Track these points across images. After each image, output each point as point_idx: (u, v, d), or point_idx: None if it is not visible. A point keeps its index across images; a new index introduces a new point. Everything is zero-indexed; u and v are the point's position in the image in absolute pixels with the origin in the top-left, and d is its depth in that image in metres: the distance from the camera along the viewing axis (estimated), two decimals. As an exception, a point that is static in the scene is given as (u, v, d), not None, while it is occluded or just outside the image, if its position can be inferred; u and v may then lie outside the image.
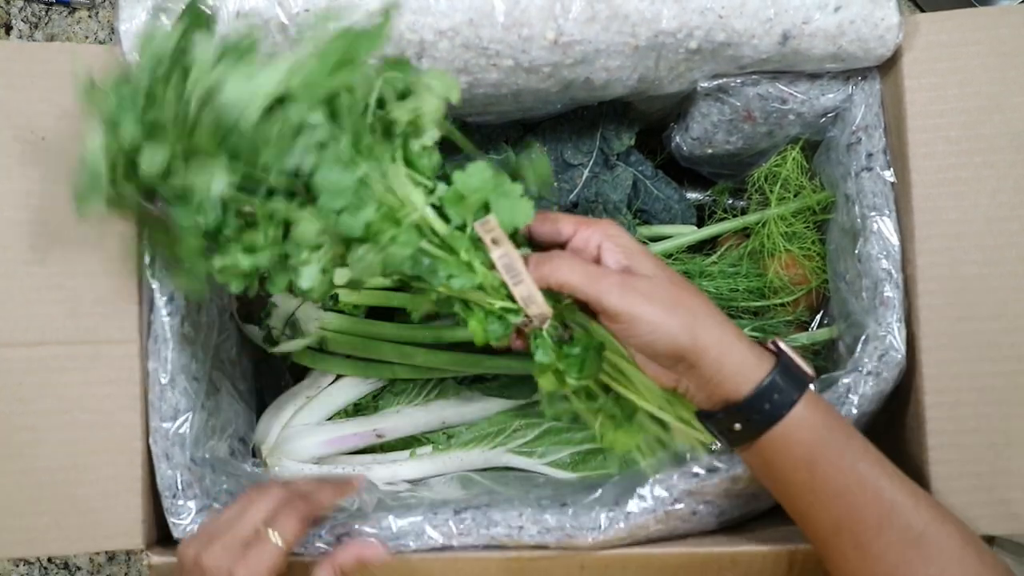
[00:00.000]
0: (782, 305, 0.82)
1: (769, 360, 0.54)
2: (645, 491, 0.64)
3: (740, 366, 0.53)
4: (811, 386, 0.54)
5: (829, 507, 0.54)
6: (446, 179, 0.54)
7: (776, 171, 0.79)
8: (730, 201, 0.88)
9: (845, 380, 0.65)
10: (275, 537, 0.56)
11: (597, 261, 0.55)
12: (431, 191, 0.54)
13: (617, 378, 0.58)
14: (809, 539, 0.56)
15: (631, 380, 0.57)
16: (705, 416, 0.56)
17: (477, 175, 0.53)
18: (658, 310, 0.52)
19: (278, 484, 0.61)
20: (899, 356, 0.65)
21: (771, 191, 0.79)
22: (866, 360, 0.65)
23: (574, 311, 0.56)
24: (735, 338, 0.54)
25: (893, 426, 0.70)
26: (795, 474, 0.54)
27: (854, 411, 0.64)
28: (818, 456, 0.53)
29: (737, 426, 0.54)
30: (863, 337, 0.67)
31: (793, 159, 0.77)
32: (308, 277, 0.52)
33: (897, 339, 0.65)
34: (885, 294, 0.66)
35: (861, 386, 0.64)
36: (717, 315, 0.54)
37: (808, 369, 0.55)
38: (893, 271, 0.66)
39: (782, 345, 0.56)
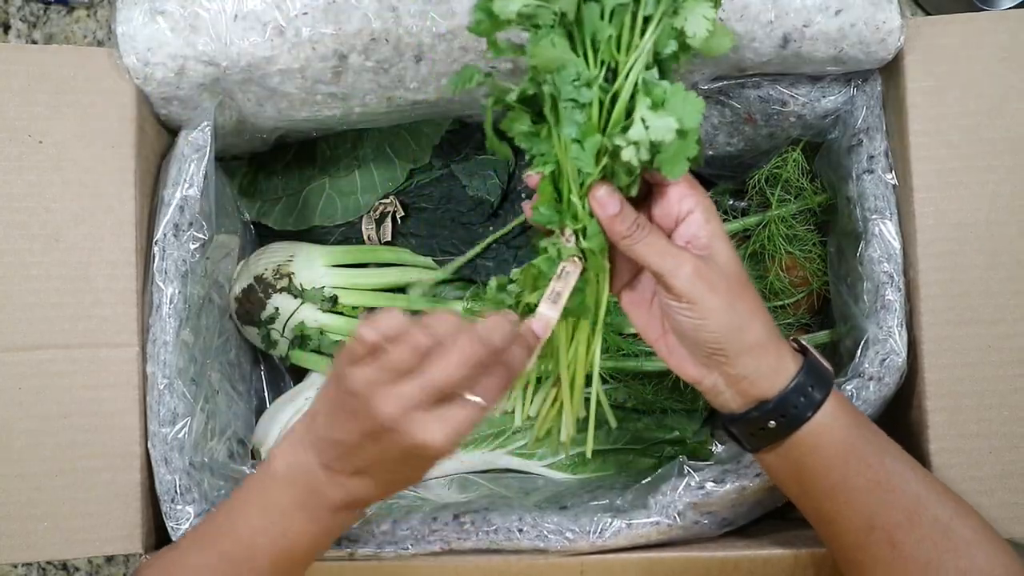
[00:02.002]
0: (783, 307, 0.82)
1: (796, 358, 0.55)
2: (649, 504, 0.64)
3: (775, 365, 0.54)
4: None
5: (862, 505, 0.54)
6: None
7: (777, 173, 0.79)
8: (731, 203, 0.88)
9: (847, 385, 0.64)
10: (478, 400, 0.49)
11: (677, 223, 0.55)
12: None
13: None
14: (835, 544, 0.56)
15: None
16: (732, 419, 0.56)
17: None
18: (719, 303, 0.52)
19: (464, 328, 0.49)
20: (900, 360, 0.64)
21: (772, 193, 0.79)
22: (867, 364, 0.65)
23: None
24: (774, 339, 0.54)
25: (895, 430, 0.69)
26: (828, 472, 0.54)
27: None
28: (850, 452, 0.54)
29: (772, 423, 0.54)
30: (864, 340, 0.66)
31: (794, 161, 0.77)
32: None
33: (898, 343, 0.65)
34: (886, 297, 0.66)
35: (863, 391, 0.64)
36: (766, 317, 0.55)
37: (829, 367, 0.55)
38: (894, 274, 0.66)
39: (805, 343, 0.56)
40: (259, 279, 0.79)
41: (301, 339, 0.79)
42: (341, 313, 0.80)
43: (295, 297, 0.79)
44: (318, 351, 0.80)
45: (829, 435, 0.54)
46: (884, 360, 0.64)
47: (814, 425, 0.53)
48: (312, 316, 0.79)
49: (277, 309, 0.79)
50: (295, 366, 0.83)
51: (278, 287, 0.79)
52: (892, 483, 0.53)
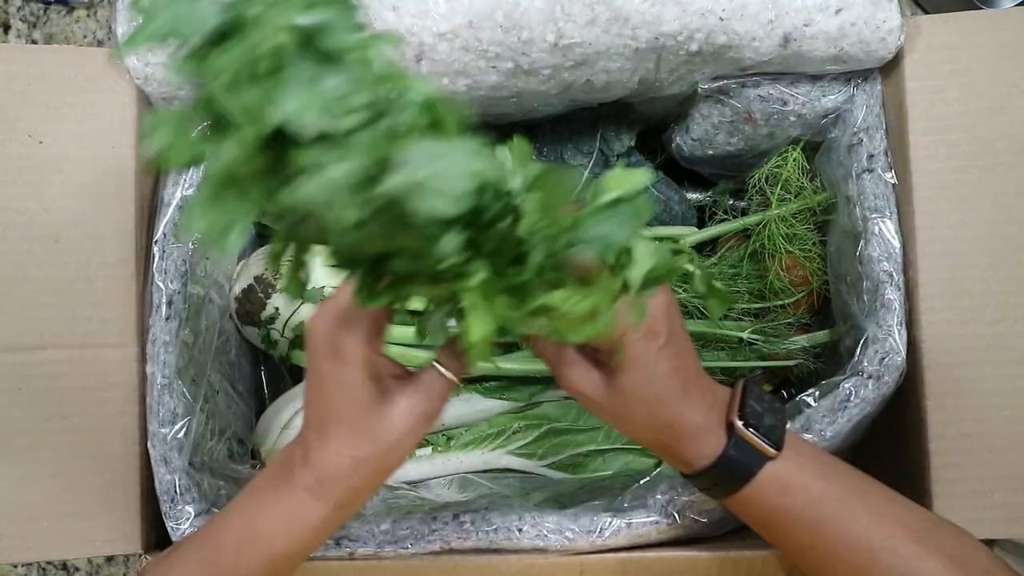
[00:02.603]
0: (783, 307, 0.82)
1: (720, 438, 0.53)
2: (649, 503, 0.64)
3: (707, 439, 0.52)
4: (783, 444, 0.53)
5: (808, 561, 0.54)
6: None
7: (777, 172, 0.79)
8: (731, 202, 0.88)
9: (846, 384, 0.64)
10: (446, 372, 0.48)
11: None
12: None
13: None
14: None
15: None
16: (688, 476, 0.56)
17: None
18: (634, 420, 0.51)
19: None
20: (900, 359, 0.64)
21: (772, 192, 0.79)
22: (866, 363, 0.65)
23: None
24: (708, 408, 0.53)
25: (894, 430, 0.69)
26: (765, 529, 0.55)
27: (855, 414, 0.64)
28: (779, 519, 0.53)
29: (715, 485, 0.54)
30: (863, 339, 0.66)
31: (794, 160, 0.77)
32: None
33: (898, 342, 0.65)
34: (886, 296, 0.66)
35: (862, 389, 0.64)
36: (703, 383, 0.53)
37: (762, 444, 0.52)
38: (894, 273, 0.66)
39: (736, 422, 0.53)
40: (259, 279, 0.79)
41: (301, 339, 0.79)
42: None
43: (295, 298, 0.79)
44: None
45: (759, 502, 0.53)
46: (883, 359, 0.64)
47: (746, 492, 0.53)
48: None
49: (277, 309, 0.79)
50: (295, 366, 0.83)
51: (278, 287, 0.79)
52: (832, 547, 0.52)
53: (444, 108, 0.36)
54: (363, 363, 0.46)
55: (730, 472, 0.52)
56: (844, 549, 0.52)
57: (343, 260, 0.41)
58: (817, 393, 0.66)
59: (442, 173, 0.33)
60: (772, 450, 0.52)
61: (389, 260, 0.39)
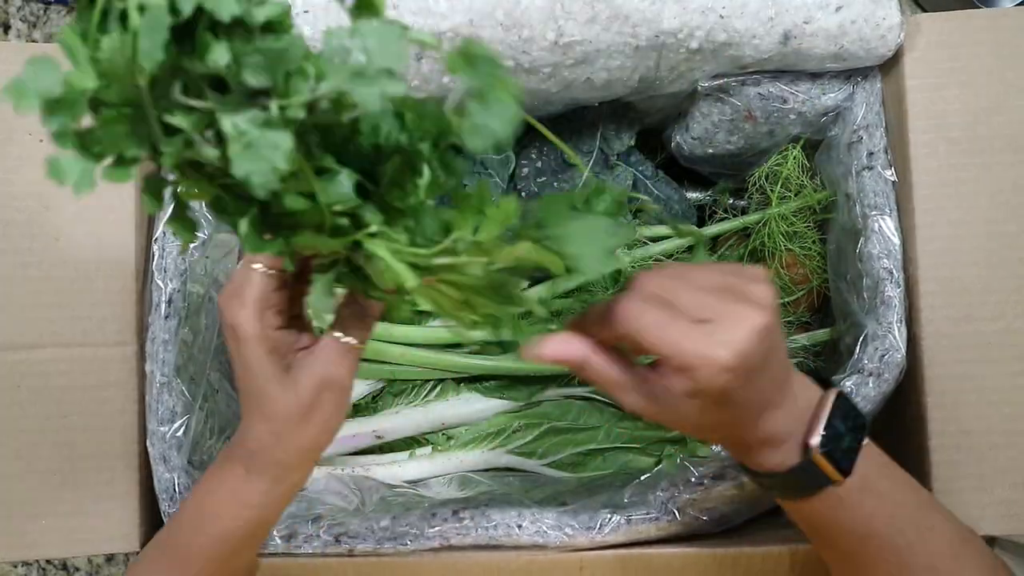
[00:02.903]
0: (783, 305, 0.82)
1: (797, 450, 0.50)
2: (649, 500, 0.64)
3: (779, 449, 0.50)
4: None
5: (837, 563, 0.54)
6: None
7: (777, 170, 0.79)
8: (731, 201, 0.88)
9: (847, 383, 0.64)
10: (344, 338, 0.48)
11: None
12: None
13: None
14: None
15: None
16: (744, 468, 0.53)
17: None
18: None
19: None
20: (900, 356, 0.64)
21: (772, 190, 0.79)
22: (867, 360, 0.65)
23: None
24: (790, 418, 0.50)
25: (894, 427, 0.69)
26: (809, 530, 0.54)
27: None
28: (827, 527, 0.52)
29: (772, 488, 0.52)
30: (863, 337, 0.66)
31: (794, 158, 0.77)
32: None
33: (898, 339, 0.65)
34: (886, 294, 0.66)
35: (862, 387, 0.64)
36: (790, 391, 0.50)
37: (834, 471, 0.50)
38: (894, 271, 0.66)
39: (813, 445, 0.49)
40: None
41: None
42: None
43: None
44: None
45: (811, 510, 0.51)
46: (883, 356, 0.64)
47: (804, 506, 0.51)
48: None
49: None
50: (294, 365, 0.83)
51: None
52: (872, 559, 0.52)
53: None
54: (257, 339, 0.46)
55: (792, 486, 0.51)
56: (884, 563, 0.52)
57: (231, 202, 0.38)
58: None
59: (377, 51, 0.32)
60: (841, 477, 0.50)
61: (278, 203, 0.37)
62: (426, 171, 0.38)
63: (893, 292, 0.66)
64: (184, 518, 0.52)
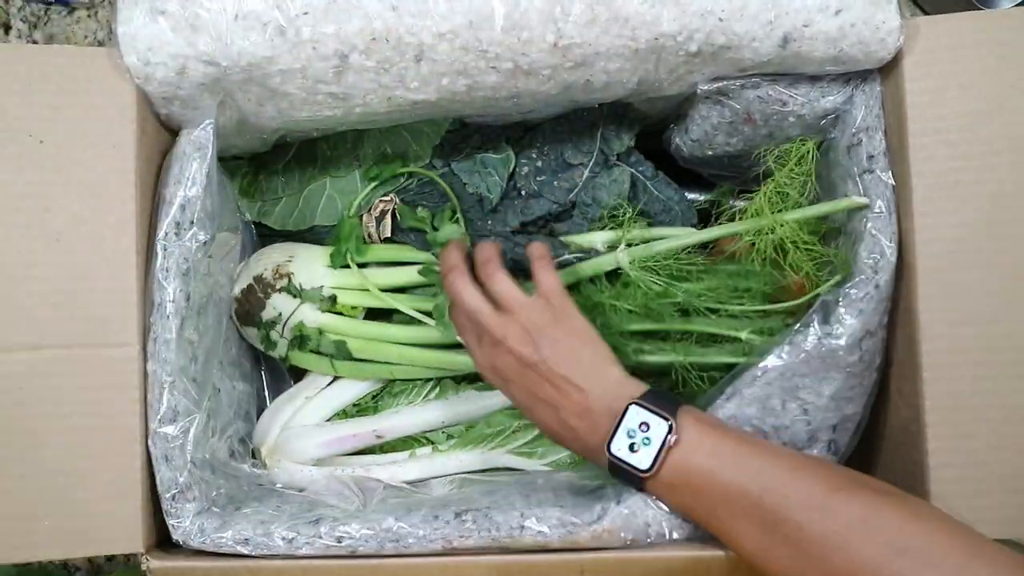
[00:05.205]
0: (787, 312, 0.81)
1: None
2: (649, 500, 0.64)
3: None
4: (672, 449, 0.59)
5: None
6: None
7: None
8: (731, 203, 0.88)
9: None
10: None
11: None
12: None
13: None
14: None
15: None
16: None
17: None
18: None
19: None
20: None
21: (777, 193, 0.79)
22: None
23: None
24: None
25: (893, 429, 0.70)
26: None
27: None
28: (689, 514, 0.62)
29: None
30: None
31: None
32: None
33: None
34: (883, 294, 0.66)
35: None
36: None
37: (636, 462, 0.60)
38: (892, 273, 0.66)
39: (612, 449, 0.61)
40: (258, 279, 0.79)
41: (300, 339, 0.80)
42: (340, 313, 0.80)
43: (294, 297, 0.79)
44: (317, 351, 0.80)
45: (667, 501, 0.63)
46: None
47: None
48: (311, 316, 0.79)
49: (276, 308, 0.79)
50: (295, 366, 0.83)
51: (277, 287, 0.79)
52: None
53: None
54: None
55: (619, 478, 0.62)
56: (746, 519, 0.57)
57: None
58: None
59: None
60: (645, 474, 0.59)
61: None
62: None
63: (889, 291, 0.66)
64: None
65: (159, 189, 0.68)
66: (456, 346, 0.79)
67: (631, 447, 0.59)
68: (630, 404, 0.60)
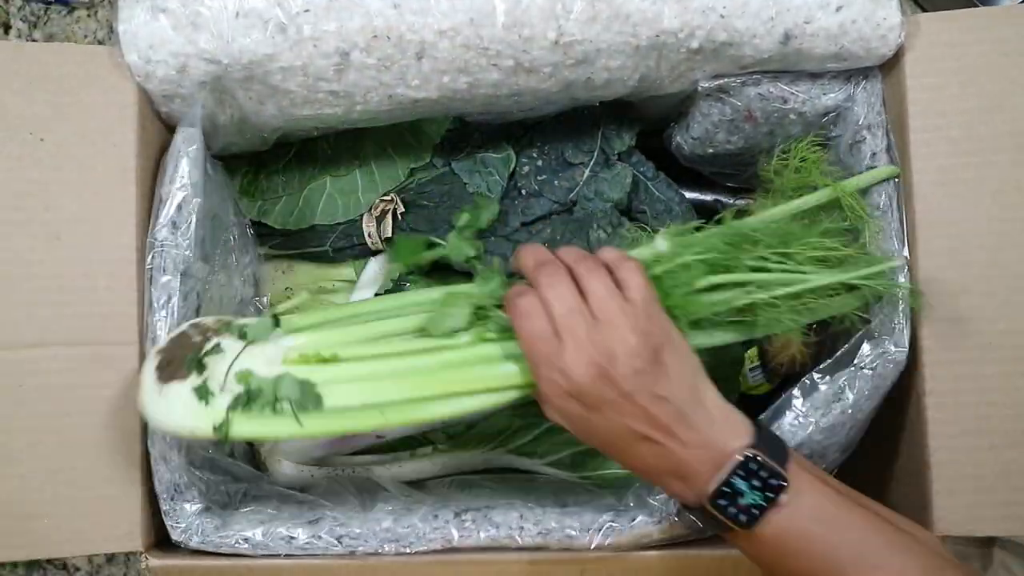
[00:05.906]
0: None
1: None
2: (650, 503, 0.64)
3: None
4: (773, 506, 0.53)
5: None
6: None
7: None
8: (732, 201, 0.88)
9: (840, 379, 0.64)
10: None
11: None
12: None
13: None
14: None
15: None
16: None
17: None
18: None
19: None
20: (902, 355, 0.64)
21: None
22: (865, 357, 0.65)
23: None
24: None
25: (894, 427, 0.69)
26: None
27: (850, 410, 0.64)
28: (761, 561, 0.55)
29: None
30: (864, 335, 0.66)
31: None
32: None
33: (900, 336, 0.64)
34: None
35: (857, 381, 0.64)
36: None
37: (735, 514, 0.53)
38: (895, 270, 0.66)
39: (715, 498, 0.53)
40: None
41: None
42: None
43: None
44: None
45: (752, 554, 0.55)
46: (884, 354, 0.64)
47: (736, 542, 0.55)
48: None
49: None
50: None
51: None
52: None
53: None
54: None
55: (698, 518, 0.56)
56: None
57: None
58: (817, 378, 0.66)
59: None
60: (737, 528, 0.53)
61: None
62: None
63: (895, 290, 0.65)
64: None
65: (157, 188, 0.68)
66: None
67: (735, 498, 0.52)
68: (745, 453, 0.53)
